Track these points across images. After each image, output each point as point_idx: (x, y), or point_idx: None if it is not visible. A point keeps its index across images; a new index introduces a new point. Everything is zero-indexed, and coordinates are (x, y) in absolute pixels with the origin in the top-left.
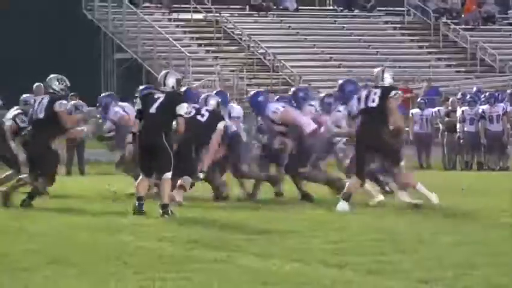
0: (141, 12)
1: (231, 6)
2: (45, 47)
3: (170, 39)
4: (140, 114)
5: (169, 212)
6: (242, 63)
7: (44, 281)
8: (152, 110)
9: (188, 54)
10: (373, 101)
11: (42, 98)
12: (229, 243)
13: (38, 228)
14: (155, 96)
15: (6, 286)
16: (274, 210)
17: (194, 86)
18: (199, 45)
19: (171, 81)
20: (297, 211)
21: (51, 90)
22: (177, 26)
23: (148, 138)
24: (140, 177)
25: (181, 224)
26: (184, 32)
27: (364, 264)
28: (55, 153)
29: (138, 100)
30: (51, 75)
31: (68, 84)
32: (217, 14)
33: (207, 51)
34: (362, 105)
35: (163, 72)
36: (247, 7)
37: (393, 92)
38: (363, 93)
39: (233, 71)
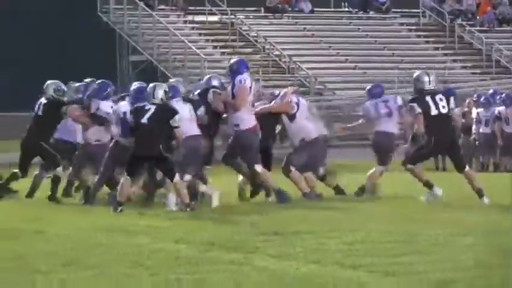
0: (156, 14)
1: (246, 8)
2: (61, 49)
3: (186, 41)
4: (132, 126)
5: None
6: (258, 65)
7: (60, 283)
8: (144, 120)
9: (203, 56)
10: (443, 107)
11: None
12: (246, 245)
13: (54, 230)
14: (146, 108)
15: (22, 287)
16: (290, 211)
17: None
18: (215, 47)
19: (160, 93)
20: (313, 212)
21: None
22: (192, 28)
23: (144, 149)
24: (124, 179)
25: (198, 225)
26: (199, 34)
27: (379, 266)
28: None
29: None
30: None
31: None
32: (233, 16)
33: (222, 53)
34: (434, 112)
35: (151, 85)
36: (263, 9)
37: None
38: (428, 98)
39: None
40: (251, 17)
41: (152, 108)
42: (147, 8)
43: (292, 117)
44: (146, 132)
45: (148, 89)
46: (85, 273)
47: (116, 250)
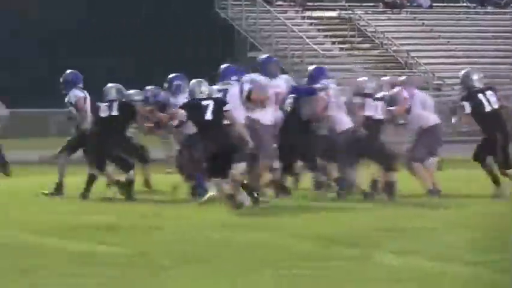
0: (274, 10)
1: (364, 4)
2: (179, 46)
3: (304, 37)
4: (193, 121)
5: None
6: (375, 60)
7: (182, 278)
8: (208, 116)
9: (321, 52)
10: (495, 103)
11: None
12: (366, 240)
13: (173, 227)
14: (204, 104)
15: (147, 284)
16: (406, 207)
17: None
18: (333, 43)
19: (206, 89)
20: (428, 208)
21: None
22: (310, 24)
23: (219, 144)
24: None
25: (318, 220)
26: (318, 30)
27: (499, 262)
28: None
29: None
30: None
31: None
32: (351, 12)
33: (341, 49)
34: (488, 108)
35: (194, 81)
36: (381, 4)
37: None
38: (479, 95)
39: (366, 68)
40: (369, 12)
41: (211, 103)
42: (265, 4)
43: (407, 111)
44: (215, 128)
45: (191, 86)
46: (206, 269)
47: (237, 246)
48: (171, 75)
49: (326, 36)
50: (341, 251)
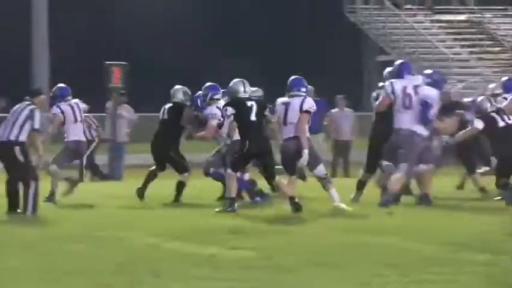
0: (403, 14)
1: (494, 7)
2: (308, 48)
3: (433, 40)
4: (239, 119)
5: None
6: (505, 64)
7: (310, 282)
8: (253, 117)
9: (451, 56)
10: None
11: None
12: (497, 245)
13: (300, 230)
14: (249, 104)
15: (273, 285)
16: None
17: (459, 86)
18: (462, 46)
19: (249, 89)
20: None
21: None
22: (439, 28)
23: (259, 146)
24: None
25: (443, 224)
26: (447, 34)
27: None
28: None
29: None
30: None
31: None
32: (480, 15)
33: (470, 53)
34: None
35: (238, 80)
36: (511, 7)
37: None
38: None
39: (496, 72)
40: (499, 15)
41: (254, 104)
42: (394, 8)
43: None
44: (257, 129)
45: (233, 85)
46: (332, 272)
47: (364, 249)
48: (206, 85)
49: (455, 39)
50: (471, 257)
